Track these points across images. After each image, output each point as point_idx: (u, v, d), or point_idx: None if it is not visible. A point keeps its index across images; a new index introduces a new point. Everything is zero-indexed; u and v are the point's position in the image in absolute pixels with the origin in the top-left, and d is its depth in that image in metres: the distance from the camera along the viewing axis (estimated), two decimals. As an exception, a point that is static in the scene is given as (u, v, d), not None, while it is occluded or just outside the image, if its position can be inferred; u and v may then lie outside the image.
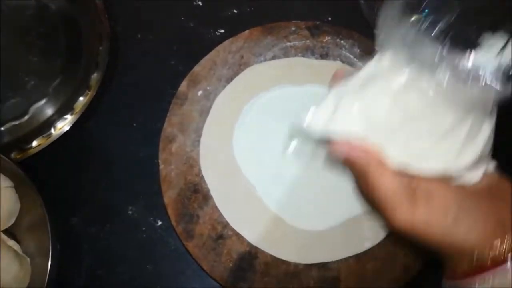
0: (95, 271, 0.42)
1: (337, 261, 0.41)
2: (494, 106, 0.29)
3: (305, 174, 0.43)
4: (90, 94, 0.44)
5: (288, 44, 0.48)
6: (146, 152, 0.45)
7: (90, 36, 0.48)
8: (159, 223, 0.43)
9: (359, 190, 0.33)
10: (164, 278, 0.41)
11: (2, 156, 0.39)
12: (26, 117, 0.45)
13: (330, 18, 0.52)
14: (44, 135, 0.43)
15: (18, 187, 0.40)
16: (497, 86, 0.26)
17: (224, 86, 0.46)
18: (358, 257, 0.41)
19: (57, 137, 0.43)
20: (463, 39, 0.28)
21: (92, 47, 0.46)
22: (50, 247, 0.36)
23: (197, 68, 0.47)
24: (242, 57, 0.48)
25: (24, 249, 0.40)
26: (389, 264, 0.41)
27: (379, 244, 0.41)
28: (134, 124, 0.46)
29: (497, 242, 0.27)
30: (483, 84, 0.26)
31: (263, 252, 0.41)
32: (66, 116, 0.43)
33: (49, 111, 0.45)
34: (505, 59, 0.28)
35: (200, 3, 0.52)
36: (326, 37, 0.49)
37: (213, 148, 0.44)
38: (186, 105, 0.45)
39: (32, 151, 0.42)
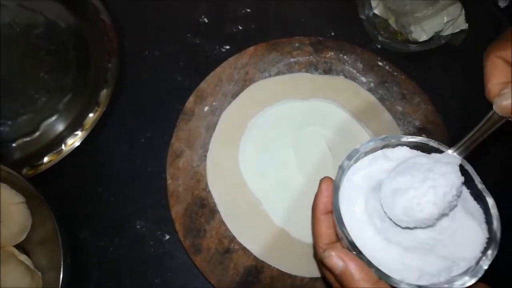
0: (104, 284, 0.42)
1: (342, 274, 0.41)
2: None
3: (309, 188, 0.44)
4: (99, 110, 0.45)
5: (292, 60, 0.49)
6: (154, 167, 0.46)
7: (98, 53, 0.49)
8: (167, 237, 0.44)
9: None
10: (172, 291, 0.42)
11: (13, 172, 0.40)
12: (37, 134, 0.46)
13: (333, 33, 0.53)
14: (55, 151, 0.44)
15: (29, 203, 0.41)
16: None
17: (230, 102, 0.47)
18: (362, 270, 0.42)
19: (68, 153, 0.44)
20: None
21: (101, 64, 0.48)
22: (62, 261, 0.36)
23: (203, 85, 0.48)
24: (247, 73, 0.49)
25: (35, 263, 0.41)
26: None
27: (383, 257, 0.42)
28: (142, 140, 0.47)
29: None
30: None
31: (269, 266, 0.42)
32: (76, 132, 0.44)
33: (60, 127, 0.46)
34: None
35: (205, 19, 0.53)
36: (329, 53, 0.50)
37: (220, 162, 0.45)
38: (193, 120, 0.46)
39: (43, 167, 0.43)
